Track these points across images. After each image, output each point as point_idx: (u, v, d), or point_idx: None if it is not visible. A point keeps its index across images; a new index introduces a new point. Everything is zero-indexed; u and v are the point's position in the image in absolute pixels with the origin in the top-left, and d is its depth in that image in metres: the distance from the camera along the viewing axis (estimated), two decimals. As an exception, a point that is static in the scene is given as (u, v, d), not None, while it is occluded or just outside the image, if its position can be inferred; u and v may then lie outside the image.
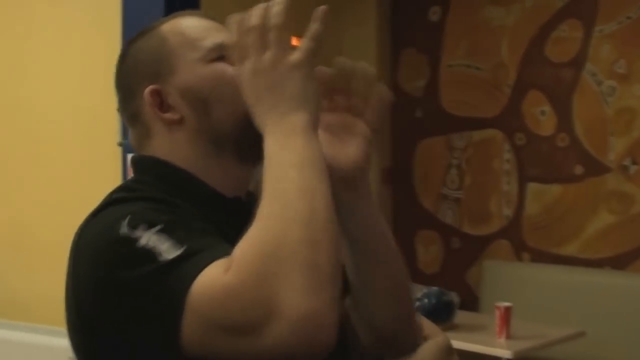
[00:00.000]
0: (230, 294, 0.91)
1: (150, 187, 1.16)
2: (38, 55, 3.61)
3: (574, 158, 4.64)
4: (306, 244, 0.92)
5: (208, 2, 3.48)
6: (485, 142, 5.01)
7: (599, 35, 4.53)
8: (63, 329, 1.14)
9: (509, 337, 3.75)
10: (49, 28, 3.60)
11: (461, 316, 4.20)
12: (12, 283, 3.77)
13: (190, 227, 1.03)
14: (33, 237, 3.67)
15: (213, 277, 0.93)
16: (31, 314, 3.66)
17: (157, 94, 1.20)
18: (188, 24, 1.25)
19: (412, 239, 5.37)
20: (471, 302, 4.96)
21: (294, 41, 1.08)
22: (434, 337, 1.67)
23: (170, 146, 1.21)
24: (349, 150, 1.18)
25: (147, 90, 1.20)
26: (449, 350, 1.65)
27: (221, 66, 1.20)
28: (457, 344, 3.75)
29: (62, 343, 1.77)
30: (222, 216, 1.18)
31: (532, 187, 4.83)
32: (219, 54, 1.21)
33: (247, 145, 1.18)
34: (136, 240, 0.99)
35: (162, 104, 1.20)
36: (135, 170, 1.25)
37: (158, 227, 1.00)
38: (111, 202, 1.10)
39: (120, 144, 3.22)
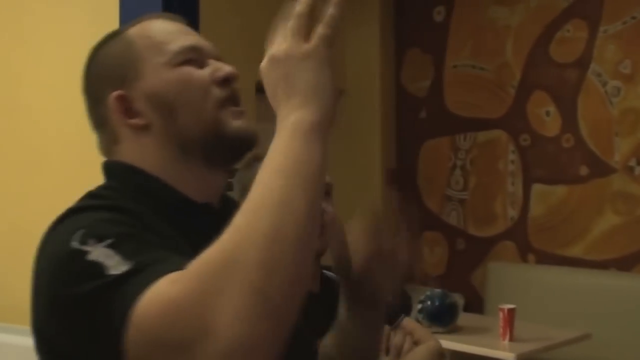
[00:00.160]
0: (170, 309, 0.87)
1: (117, 194, 1.14)
2: (35, 57, 3.60)
3: (579, 159, 4.61)
4: (258, 267, 0.86)
5: (207, 2, 3.46)
6: (490, 143, 4.99)
7: (604, 36, 4.50)
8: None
9: (512, 339, 3.72)
10: (46, 28, 3.59)
11: (465, 318, 4.18)
12: (13, 287, 3.76)
13: (145, 240, 1.00)
14: (33, 241, 3.65)
15: (158, 292, 0.89)
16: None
17: (122, 100, 1.18)
18: (155, 27, 1.23)
19: (417, 240, 5.34)
20: (476, 304, 4.95)
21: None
22: (425, 341, 1.68)
23: (138, 152, 1.19)
24: None
25: (112, 96, 1.18)
26: (439, 354, 1.66)
27: (188, 70, 1.18)
28: (460, 346, 3.78)
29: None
30: (191, 223, 1.15)
31: (537, 188, 4.80)
32: (186, 57, 1.18)
33: (215, 150, 1.16)
34: (85, 254, 0.96)
35: (128, 109, 1.18)
36: (105, 176, 1.22)
37: (108, 241, 0.96)
38: (72, 211, 1.07)
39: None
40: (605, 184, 4.52)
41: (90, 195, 1.14)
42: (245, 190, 1.76)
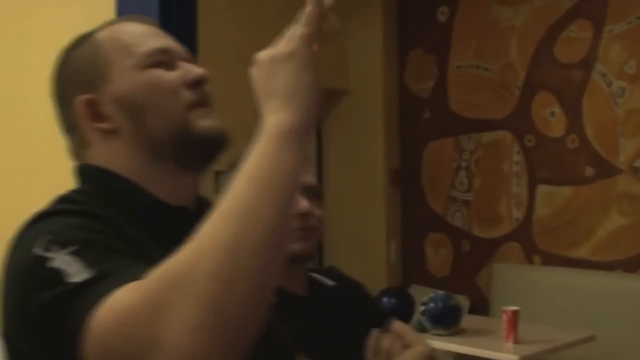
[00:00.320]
0: (123, 319, 0.86)
1: (89, 198, 1.13)
2: (32, 57, 3.59)
3: (584, 160, 4.58)
4: (215, 279, 0.84)
5: (205, 3, 3.45)
6: (494, 143, 4.97)
7: (609, 36, 4.47)
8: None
9: (516, 341, 3.70)
10: (43, 28, 3.59)
11: (470, 320, 4.17)
12: None
13: (111, 247, 0.99)
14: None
15: (115, 301, 0.88)
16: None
17: (90, 104, 1.17)
18: (124, 30, 1.22)
19: (421, 242, 5.34)
20: (481, 306, 4.93)
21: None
22: (415, 345, 1.66)
23: (108, 156, 1.18)
24: None
25: (80, 100, 1.17)
26: (430, 358, 1.64)
27: (156, 72, 1.17)
28: (463, 348, 3.76)
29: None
30: (163, 226, 1.14)
31: (542, 189, 4.77)
32: (155, 60, 1.17)
33: (185, 152, 1.15)
34: (47, 261, 0.95)
35: (96, 113, 1.17)
36: (77, 180, 1.21)
37: (72, 248, 0.95)
38: (42, 215, 1.06)
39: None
40: (610, 185, 4.49)
41: (61, 199, 1.13)
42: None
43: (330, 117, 5.45)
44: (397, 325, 1.77)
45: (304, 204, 1.73)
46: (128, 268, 0.94)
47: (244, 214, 0.89)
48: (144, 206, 1.16)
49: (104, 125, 1.17)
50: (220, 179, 1.89)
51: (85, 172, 1.20)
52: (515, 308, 3.70)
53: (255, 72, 1.02)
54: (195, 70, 1.19)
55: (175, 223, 1.15)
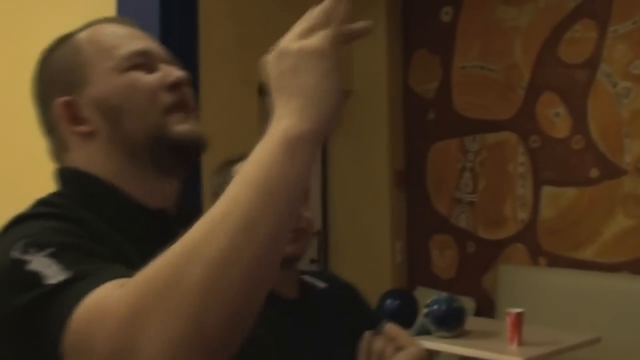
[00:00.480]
0: (103, 320, 0.83)
1: (68, 202, 1.11)
2: (31, 58, 3.60)
3: (589, 161, 4.56)
4: (200, 292, 0.79)
5: (206, 5, 3.44)
6: (499, 144, 4.95)
7: (613, 36, 4.44)
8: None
9: (520, 343, 3.68)
10: (43, 28, 3.59)
11: (475, 322, 4.15)
12: None
13: (89, 250, 0.97)
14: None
15: (96, 300, 0.85)
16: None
17: (68, 106, 1.16)
18: (104, 31, 1.21)
19: (427, 244, 5.32)
20: (487, 308, 4.91)
21: None
22: (408, 347, 1.64)
23: (87, 158, 1.16)
24: None
25: (58, 102, 1.16)
26: (422, 360, 1.63)
27: (135, 75, 1.15)
28: (467, 351, 3.73)
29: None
30: (143, 229, 1.13)
31: (547, 190, 4.75)
32: (134, 62, 1.16)
33: (162, 155, 1.14)
34: (25, 264, 0.93)
35: (74, 116, 1.16)
36: (57, 183, 1.20)
37: (49, 251, 0.94)
38: (20, 218, 1.05)
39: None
40: (615, 186, 4.46)
41: (40, 202, 1.11)
42: (217, 195, 1.75)
43: (334, 118, 5.44)
44: (390, 327, 1.76)
45: None
46: (106, 270, 0.92)
47: (241, 225, 0.82)
48: (123, 209, 1.14)
49: (82, 128, 1.16)
50: (210, 180, 1.87)
51: (65, 175, 1.19)
52: (519, 310, 3.67)
53: (276, 62, 0.92)
54: (175, 72, 1.17)
55: (155, 226, 1.13)
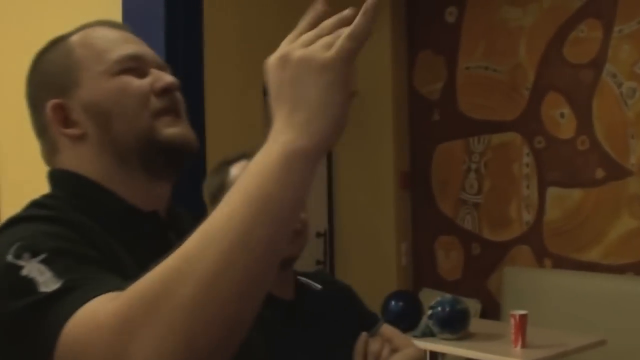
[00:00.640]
0: (96, 332, 0.83)
1: (62, 204, 1.12)
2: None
3: (594, 161, 4.53)
4: (191, 308, 0.79)
5: (210, 4, 3.44)
6: (504, 145, 4.93)
7: (619, 36, 4.41)
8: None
9: (525, 346, 3.66)
10: (49, 29, 3.59)
11: (479, 324, 4.13)
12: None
13: (82, 255, 0.97)
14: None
15: (89, 313, 0.86)
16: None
17: (59, 109, 1.17)
18: (96, 35, 1.21)
19: (432, 245, 5.30)
20: (493, 310, 4.89)
21: None
22: (404, 348, 1.64)
23: (77, 161, 1.17)
24: None
25: (49, 105, 1.17)
26: (419, 362, 1.62)
27: (126, 79, 1.16)
28: (471, 353, 3.71)
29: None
30: (135, 231, 1.13)
31: (553, 191, 4.72)
32: (125, 66, 1.16)
33: (151, 159, 1.14)
34: (19, 269, 0.94)
35: (65, 119, 1.17)
36: (50, 185, 1.20)
37: (42, 257, 0.94)
38: (14, 221, 1.05)
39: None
40: (621, 187, 4.43)
41: (34, 204, 1.12)
42: (214, 197, 1.74)
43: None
44: (386, 328, 1.75)
45: None
46: (100, 279, 0.92)
47: (236, 242, 0.81)
48: (115, 211, 1.15)
49: (73, 131, 1.16)
50: (206, 181, 1.86)
51: (56, 177, 1.20)
52: (523, 312, 3.65)
53: (276, 69, 0.89)
54: (165, 78, 1.18)
55: (147, 228, 1.15)
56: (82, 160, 1.17)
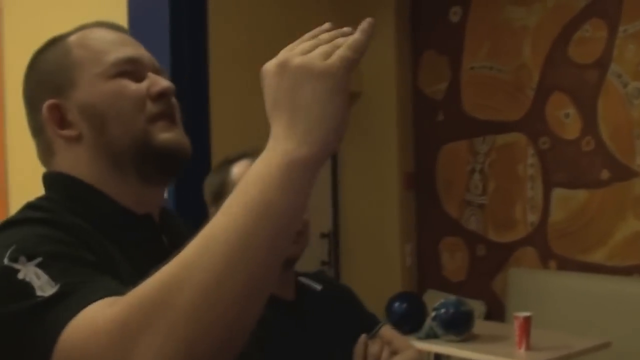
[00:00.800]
0: (94, 339, 0.83)
1: (57, 206, 1.11)
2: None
3: (599, 162, 4.51)
4: (190, 315, 0.79)
5: (215, 5, 3.43)
6: (508, 146, 4.91)
7: (624, 35, 4.39)
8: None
9: (529, 348, 3.64)
10: (56, 28, 3.59)
11: (484, 326, 4.12)
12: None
13: (77, 258, 0.97)
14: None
15: (88, 318, 0.85)
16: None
17: (56, 110, 1.16)
18: (94, 36, 1.20)
19: (437, 246, 5.29)
20: (497, 311, 4.88)
21: None
22: (403, 351, 1.63)
23: (72, 163, 1.17)
24: None
25: (46, 105, 1.16)
26: (417, 364, 1.61)
27: (122, 82, 1.15)
28: (475, 355, 3.69)
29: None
30: (129, 234, 1.13)
31: (558, 192, 4.70)
32: (121, 69, 1.16)
33: (145, 163, 1.14)
34: (16, 273, 0.93)
35: (61, 119, 1.16)
36: (45, 187, 1.20)
37: (38, 260, 0.93)
38: (10, 223, 1.04)
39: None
40: (626, 188, 4.41)
41: (29, 206, 1.12)
42: (215, 196, 1.72)
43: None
44: (385, 330, 1.74)
45: None
46: (96, 284, 0.92)
47: (236, 250, 0.81)
48: (109, 213, 1.15)
49: (68, 132, 1.16)
50: (208, 180, 1.85)
51: (51, 180, 1.20)
52: (527, 314, 3.64)
53: (276, 76, 0.89)
54: (161, 82, 1.17)
55: (141, 231, 1.15)
56: (76, 162, 1.16)
